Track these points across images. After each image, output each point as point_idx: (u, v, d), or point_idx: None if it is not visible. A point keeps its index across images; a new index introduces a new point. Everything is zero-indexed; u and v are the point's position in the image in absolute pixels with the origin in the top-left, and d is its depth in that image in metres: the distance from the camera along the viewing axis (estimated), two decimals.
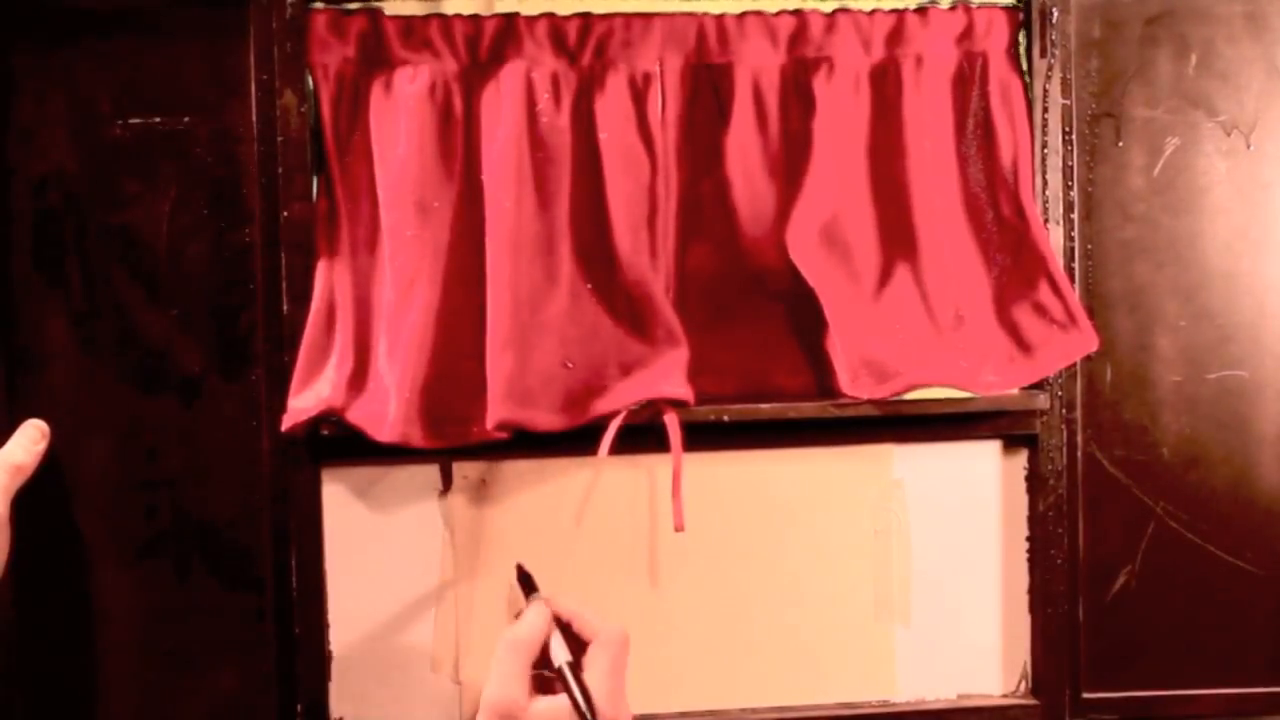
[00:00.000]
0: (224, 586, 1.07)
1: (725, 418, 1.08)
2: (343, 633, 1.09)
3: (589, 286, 1.07)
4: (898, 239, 1.10)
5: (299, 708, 1.07)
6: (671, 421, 1.05)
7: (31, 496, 1.02)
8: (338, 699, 1.09)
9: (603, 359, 1.06)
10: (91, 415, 1.06)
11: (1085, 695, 1.14)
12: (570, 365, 1.05)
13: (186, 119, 1.05)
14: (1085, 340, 1.09)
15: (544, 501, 1.10)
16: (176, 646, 1.07)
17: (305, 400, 1.03)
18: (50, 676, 1.06)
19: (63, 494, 1.05)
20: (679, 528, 1.04)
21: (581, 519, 1.10)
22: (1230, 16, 1.13)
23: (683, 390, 1.05)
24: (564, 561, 1.10)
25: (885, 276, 1.10)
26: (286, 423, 1.03)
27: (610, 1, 1.08)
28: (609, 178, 1.06)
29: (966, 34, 1.10)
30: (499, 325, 1.02)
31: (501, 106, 1.05)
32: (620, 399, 1.05)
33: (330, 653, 1.09)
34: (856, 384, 1.07)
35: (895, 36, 1.09)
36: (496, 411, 1.02)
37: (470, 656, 1.10)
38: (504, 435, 1.04)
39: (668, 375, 1.06)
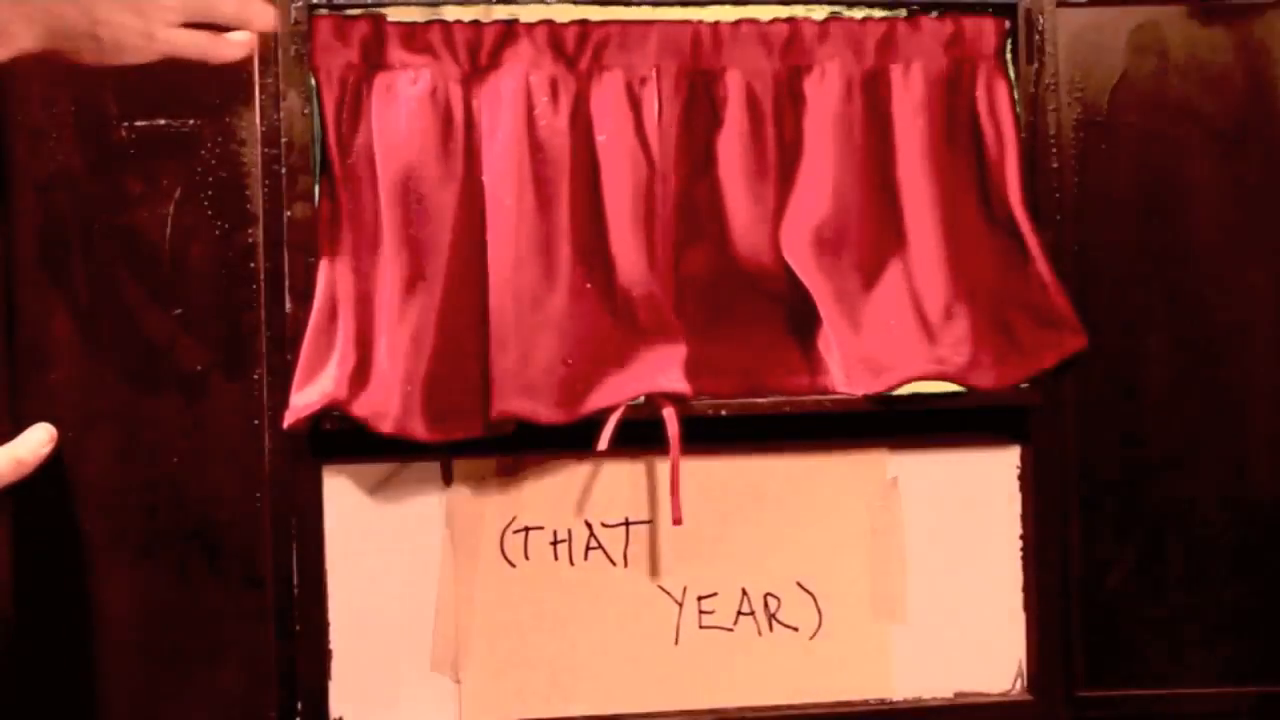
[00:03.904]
0: (225, 585, 1.08)
1: (723, 412, 1.09)
2: (343, 632, 1.09)
3: (588, 285, 1.08)
4: (890, 240, 1.12)
5: (299, 706, 1.08)
6: (669, 415, 1.06)
7: (34, 494, 1.03)
8: (338, 698, 1.09)
9: (601, 355, 1.08)
10: (94, 413, 1.06)
11: (1079, 693, 1.14)
12: (570, 361, 1.06)
13: (191, 121, 1.07)
14: (1075, 339, 1.11)
15: (545, 500, 1.11)
16: (176, 645, 1.07)
17: (308, 396, 1.04)
18: (50, 675, 1.06)
19: (65, 492, 1.06)
20: (677, 521, 1.05)
21: (582, 517, 1.11)
22: (1213, 24, 1.15)
23: (680, 384, 1.07)
24: (564, 560, 1.11)
25: (878, 276, 1.12)
26: (289, 419, 1.04)
27: (606, 10, 1.11)
28: (606, 179, 1.08)
29: (956, 42, 1.12)
30: (501, 321, 1.04)
31: (501, 109, 1.07)
32: (619, 393, 1.07)
33: (330, 651, 1.09)
34: (850, 380, 1.09)
35: (886, 44, 1.12)
36: (499, 403, 1.03)
37: (470, 656, 1.10)
38: (506, 430, 1.05)
39: (665, 370, 1.07)
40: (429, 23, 1.08)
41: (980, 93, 1.12)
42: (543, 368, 1.05)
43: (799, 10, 1.12)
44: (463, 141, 1.07)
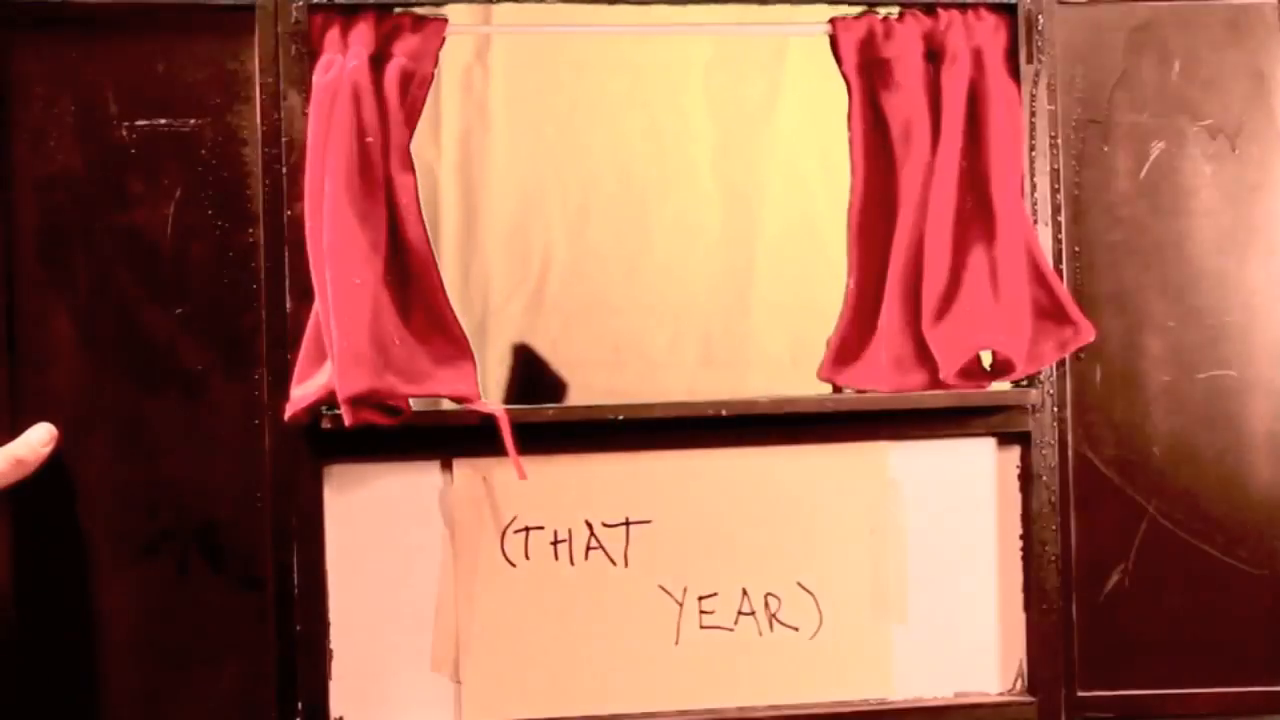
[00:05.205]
0: (225, 585, 1.08)
1: (723, 412, 1.09)
2: (343, 632, 1.09)
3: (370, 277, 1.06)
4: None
5: (299, 706, 1.07)
6: (503, 419, 1.06)
7: (34, 494, 1.04)
8: (338, 698, 1.09)
9: (401, 349, 1.07)
10: (94, 413, 1.06)
11: (1080, 694, 1.15)
12: (400, 341, 1.06)
13: (192, 121, 1.07)
14: (1081, 333, 1.11)
15: (545, 500, 1.11)
16: (176, 646, 1.07)
17: (307, 388, 1.04)
18: (51, 675, 1.06)
19: (65, 492, 1.06)
20: (522, 476, 1.06)
21: (582, 517, 1.11)
22: (1213, 24, 1.15)
23: (467, 388, 1.08)
24: (564, 560, 1.11)
25: (881, 272, 1.12)
26: (289, 410, 1.05)
27: (599, 15, 1.10)
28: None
29: (974, 36, 1.12)
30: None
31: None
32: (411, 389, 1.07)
33: (330, 652, 1.09)
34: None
35: (931, 38, 1.12)
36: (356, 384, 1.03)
37: (470, 656, 1.10)
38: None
39: (455, 375, 1.08)
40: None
41: (990, 85, 1.12)
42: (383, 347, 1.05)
43: (784, 10, 1.12)
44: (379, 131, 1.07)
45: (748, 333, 1.49)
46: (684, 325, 1.48)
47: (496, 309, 1.47)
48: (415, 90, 1.07)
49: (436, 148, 1.45)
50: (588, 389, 1.46)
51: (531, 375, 1.47)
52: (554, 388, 1.48)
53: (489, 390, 1.45)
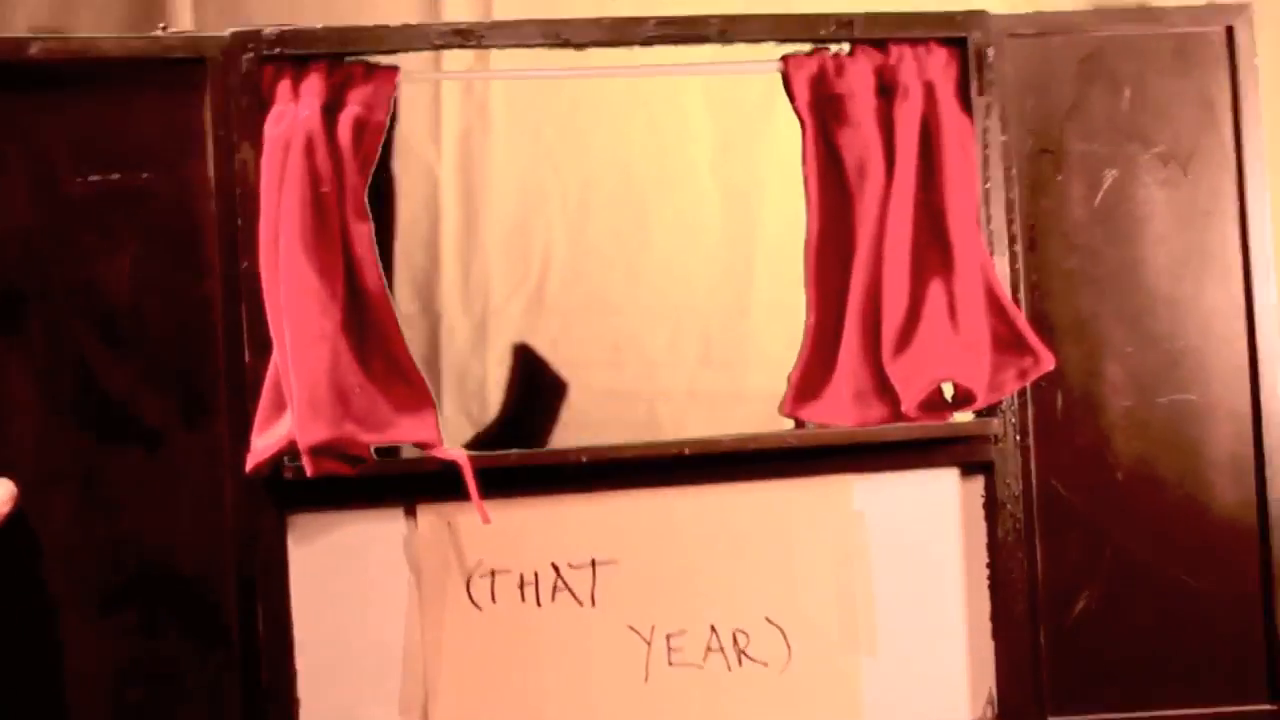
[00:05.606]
0: (190, 637, 1.08)
1: (685, 451, 1.10)
2: (310, 681, 1.09)
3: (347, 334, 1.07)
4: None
5: None
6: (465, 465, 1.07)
7: None
8: None
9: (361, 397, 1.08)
10: (54, 469, 1.06)
11: (1051, 718, 1.15)
12: (360, 389, 1.07)
13: (145, 174, 1.07)
14: (1041, 362, 1.11)
15: (510, 543, 1.11)
16: (143, 699, 1.07)
17: (267, 439, 1.04)
18: None
19: (27, 549, 1.05)
20: (486, 520, 1.07)
21: (548, 559, 1.11)
22: (1159, 51, 1.16)
23: (427, 434, 1.09)
24: (531, 602, 1.11)
25: (840, 307, 1.13)
26: (251, 461, 1.05)
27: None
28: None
29: (925, 71, 1.13)
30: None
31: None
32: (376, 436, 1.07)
33: (298, 700, 1.09)
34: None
35: (883, 74, 1.13)
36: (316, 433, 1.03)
37: (438, 699, 1.10)
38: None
39: (417, 423, 1.09)
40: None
41: (943, 120, 1.12)
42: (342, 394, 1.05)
43: (744, 49, 1.13)
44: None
45: (747, 332, 1.49)
46: (684, 325, 1.48)
47: (496, 309, 1.46)
48: (369, 138, 1.08)
49: (436, 148, 1.43)
50: (588, 388, 1.46)
51: (531, 375, 1.47)
52: (554, 387, 1.48)
53: (489, 392, 1.44)
